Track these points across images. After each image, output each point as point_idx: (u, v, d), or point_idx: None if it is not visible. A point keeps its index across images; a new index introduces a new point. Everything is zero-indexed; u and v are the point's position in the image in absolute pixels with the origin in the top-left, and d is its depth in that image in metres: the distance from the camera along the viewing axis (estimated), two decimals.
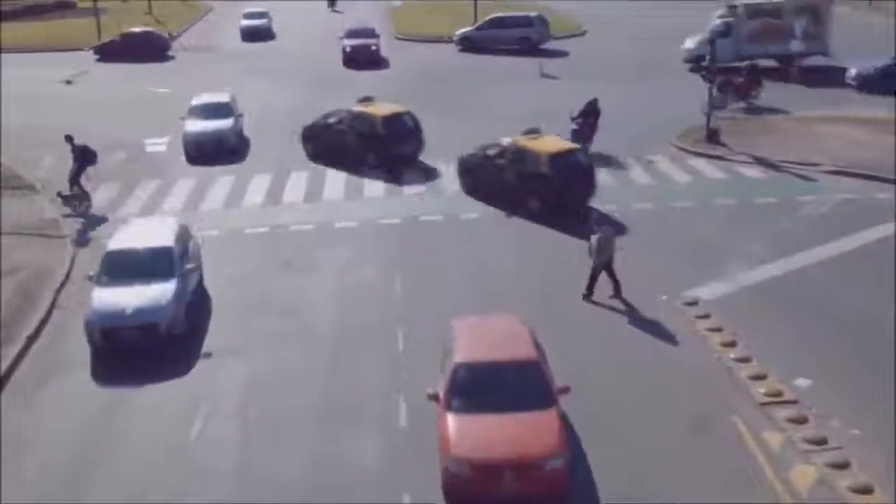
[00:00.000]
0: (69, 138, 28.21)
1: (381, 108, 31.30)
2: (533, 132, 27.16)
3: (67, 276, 22.63)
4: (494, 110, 36.65)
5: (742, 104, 37.23)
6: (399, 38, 57.14)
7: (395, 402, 16.74)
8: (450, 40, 54.33)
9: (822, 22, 44.76)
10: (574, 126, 30.89)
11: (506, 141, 27.22)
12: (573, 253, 22.35)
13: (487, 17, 53.26)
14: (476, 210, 26.68)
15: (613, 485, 14.37)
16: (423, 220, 26.21)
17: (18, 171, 30.77)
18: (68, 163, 27.80)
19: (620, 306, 20.48)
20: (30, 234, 25.34)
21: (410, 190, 28.86)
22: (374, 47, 49.88)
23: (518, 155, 26.47)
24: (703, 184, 28.97)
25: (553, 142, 26.93)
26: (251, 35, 58.52)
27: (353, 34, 50.82)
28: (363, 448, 15.51)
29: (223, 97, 35.26)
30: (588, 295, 20.82)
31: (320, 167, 30.98)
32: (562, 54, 50.62)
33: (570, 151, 26.61)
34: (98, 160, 28.53)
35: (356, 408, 16.74)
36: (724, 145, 32.25)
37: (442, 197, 28.30)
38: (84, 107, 40.00)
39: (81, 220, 26.54)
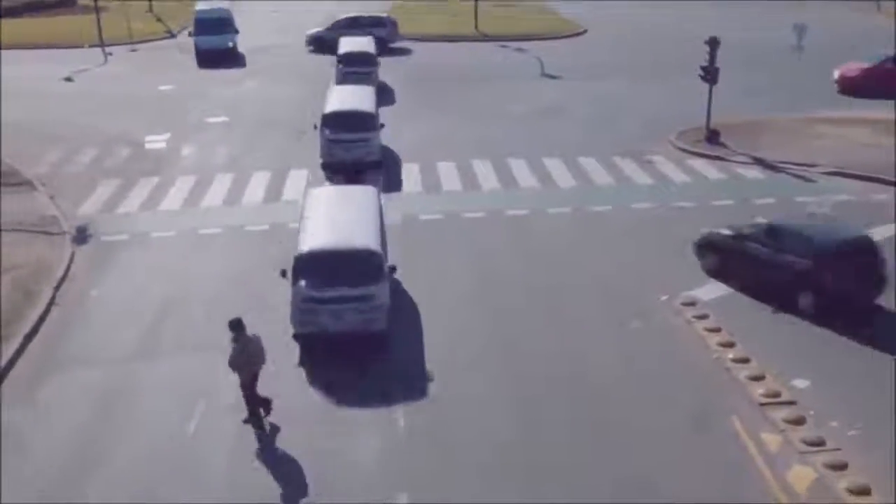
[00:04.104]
0: None
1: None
2: None
3: (66, 273, 22.54)
4: None
5: None
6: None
7: None
8: (454, 39, 54.96)
9: None
10: None
11: None
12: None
13: (341, 17, 53.75)
14: None
15: (609, 485, 14.33)
16: None
17: (18, 168, 30.59)
18: (71, 159, 27.16)
19: (620, 308, 20.35)
20: (30, 231, 25.25)
21: None
22: None
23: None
24: (702, 184, 28.94)
25: None
26: None
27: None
28: None
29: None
30: (249, 419, 16.14)
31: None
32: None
33: None
34: None
35: None
36: (724, 145, 32.24)
37: None
38: (85, 103, 39.80)
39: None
